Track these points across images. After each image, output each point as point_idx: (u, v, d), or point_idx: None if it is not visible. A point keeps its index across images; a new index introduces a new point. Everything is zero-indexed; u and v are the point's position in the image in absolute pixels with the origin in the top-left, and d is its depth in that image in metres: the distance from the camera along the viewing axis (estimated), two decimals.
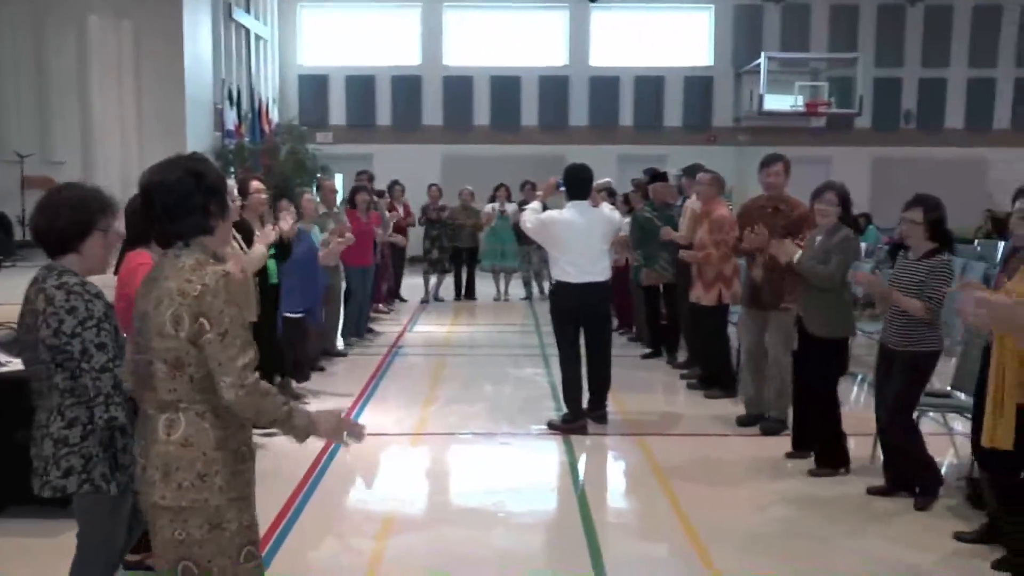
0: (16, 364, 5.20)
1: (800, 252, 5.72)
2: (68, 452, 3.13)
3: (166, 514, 2.62)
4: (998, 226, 15.08)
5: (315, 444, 6.10)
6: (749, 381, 6.88)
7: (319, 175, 15.60)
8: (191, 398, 2.61)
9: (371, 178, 11.72)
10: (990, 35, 20.62)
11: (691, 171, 8.45)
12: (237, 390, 2.57)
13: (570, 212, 6.61)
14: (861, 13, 20.52)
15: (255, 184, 6.47)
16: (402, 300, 13.37)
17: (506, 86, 20.13)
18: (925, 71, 20.79)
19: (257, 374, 2.62)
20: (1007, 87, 20.84)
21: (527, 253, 13.40)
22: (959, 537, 4.67)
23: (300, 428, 2.73)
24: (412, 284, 13.84)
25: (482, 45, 20.23)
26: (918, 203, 5.01)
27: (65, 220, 3.15)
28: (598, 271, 6.63)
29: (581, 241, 6.55)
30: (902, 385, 5.07)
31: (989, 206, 17.24)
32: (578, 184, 6.65)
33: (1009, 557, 4.22)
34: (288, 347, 7.24)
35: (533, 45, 20.34)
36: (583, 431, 6.61)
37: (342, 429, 2.86)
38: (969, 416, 4.98)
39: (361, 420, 6.79)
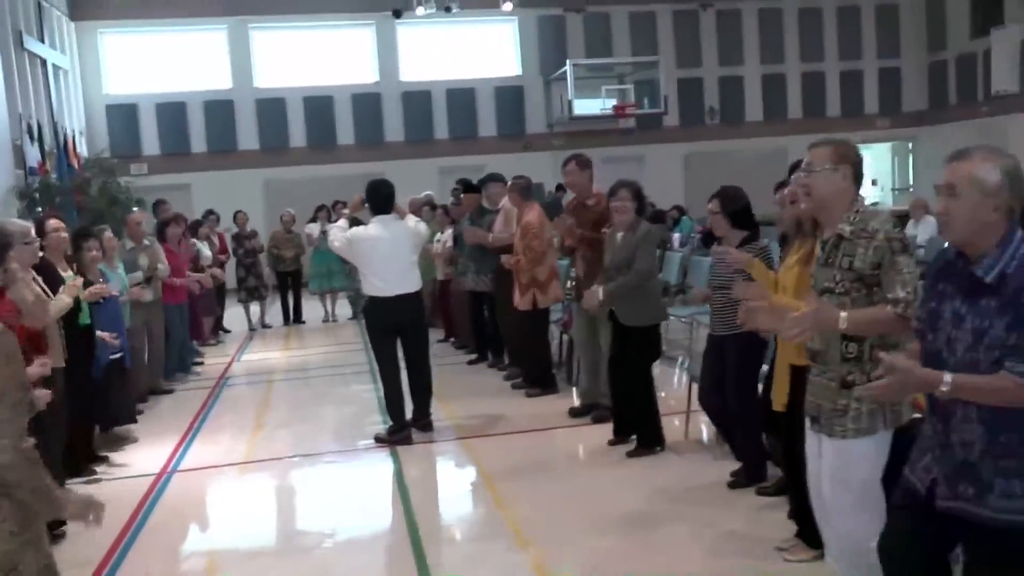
0: None
1: (601, 295, 6.01)
2: None
3: None
4: None
5: (141, 484, 6.13)
6: (583, 373, 7.22)
7: (135, 209, 15.17)
8: None
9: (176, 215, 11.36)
10: (775, 34, 22.10)
11: (486, 180, 9.03)
12: (14, 452, 2.58)
13: (375, 227, 6.78)
14: (658, 18, 21.59)
15: (52, 223, 6.31)
16: (226, 331, 13.17)
17: (320, 106, 20.07)
18: (723, 70, 22.07)
19: (32, 440, 2.64)
20: (795, 80, 22.38)
21: (352, 272, 13.42)
22: (760, 492, 5.15)
23: (54, 505, 2.74)
24: (236, 314, 13.65)
25: (292, 65, 20.08)
26: (716, 195, 5.30)
27: None
28: (408, 283, 6.81)
29: (388, 255, 6.71)
30: (737, 371, 5.22)
31: None
32: (380, 199, 6.84)
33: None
34: (110, 390, 7.07)
35: (343, 63, 20.36)
36: (408, 441, 6.80)
37: (89, 511, 2.84)
38: None
39: (189, 454, 6.93)
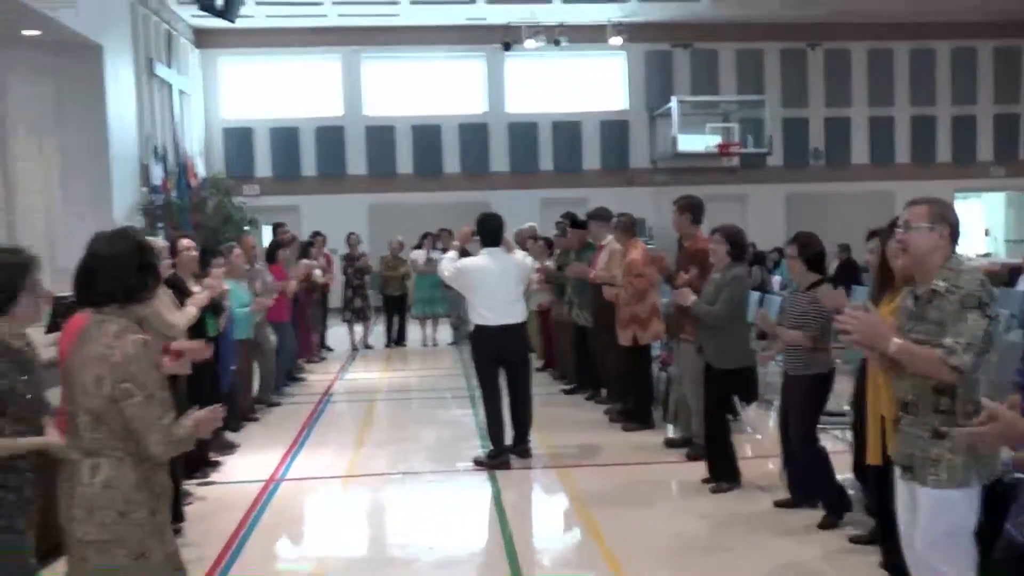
0: None
1: (694, 298, 6.15)
2: None
3: (92, 547, 2.90)
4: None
5: (251, 490, 6.42)
6: (679, 409, 7.33)
7: (247, 228, 15.81)
8: (112, 446, 2.91)
9: (293, 237, 11.91)
10: (885, 76, 21.75)
11: (595, 216, 8.95)
12: (165, 446, 2.92)
13: (484, 259, 7.03)
14: (766, 56, 21.47)
15: (184, 242, 6.77)
16: (328, 349, 13.59)
17: (427, 134, 20.48)
18: (829, 110, 21.78)
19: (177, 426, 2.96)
20: (904, 123, 21.96)
21: (455, 299, 13.75)
22: (854, 540, 5.14)
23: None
24: (338, 334, 14.07)
25: (402, 94, 20.59)
26: (794, 240, 5.61)
27: None
28: (514, 314, 7.02)
29: (496, 286, 6.92)
30: (800, 408, 5.54)
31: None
32: (490, 232, 7.08)
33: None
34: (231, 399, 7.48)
35: (452, 93, 20.74)
36: (507, 466, 6.95)
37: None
38: None
39: (294, 466, 7.19)
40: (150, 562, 2.94)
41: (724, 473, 6.25)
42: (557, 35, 19.51)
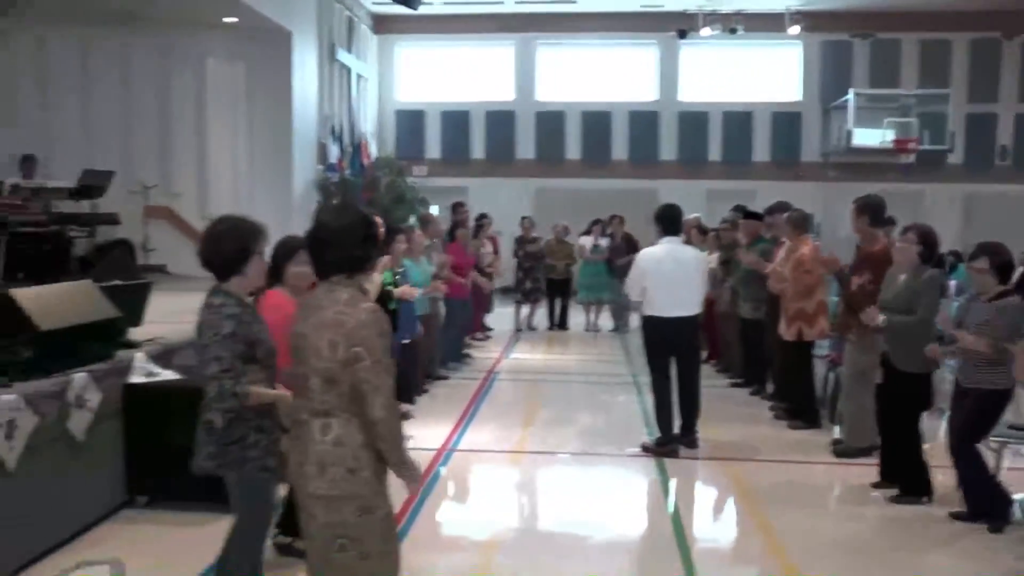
0: (165, 375, 5.91)
1: (883, 318, 5.92)
2: (207, 442, 3.70)
3: (321, 502, 3.13)
4: None
5: (423, 458, 6.72)
6: (848, 412, 7.17)
7: (433, 208, 16.36)
8: (341, 407, 3.11)
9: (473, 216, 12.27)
10: None
11: (776, 209, 8.82)
12: (387, 409, 3.10)
13: (663, 248, 7.06)
14: (953, 47, 20.45)
15: (377, 220, 7.11)
16: (488, 329, 13.91)
17: (597, 121, 20.54)
18: (1022, 106, 20.57)
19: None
20: None
21: (619, 286, 13.88)
22: None
23: (406, 461, 3.22)
24: (501, 313, 14.41)
25: (574, 81, 20.71)
26: (983, 251, 5.41)
27: (229, 248, 3.71)
28: (688, 306, 7.04)
29: (672, 276, 6.94)
30: (967, 418, 5.43)
31: None
32: (669, 221, 7.11)
33: None
34: (401, 371, 7.81)
35: (623, 80, 20.72)
36: (674, 454, 7.02)
37: (416, 480, 3.32)
38: None
39: (466, 436, 7.46)
40: (374, 518, 3.15)
41: (914, 486, 5.99)
42: (734, 23, 19.18)
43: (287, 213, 14.69)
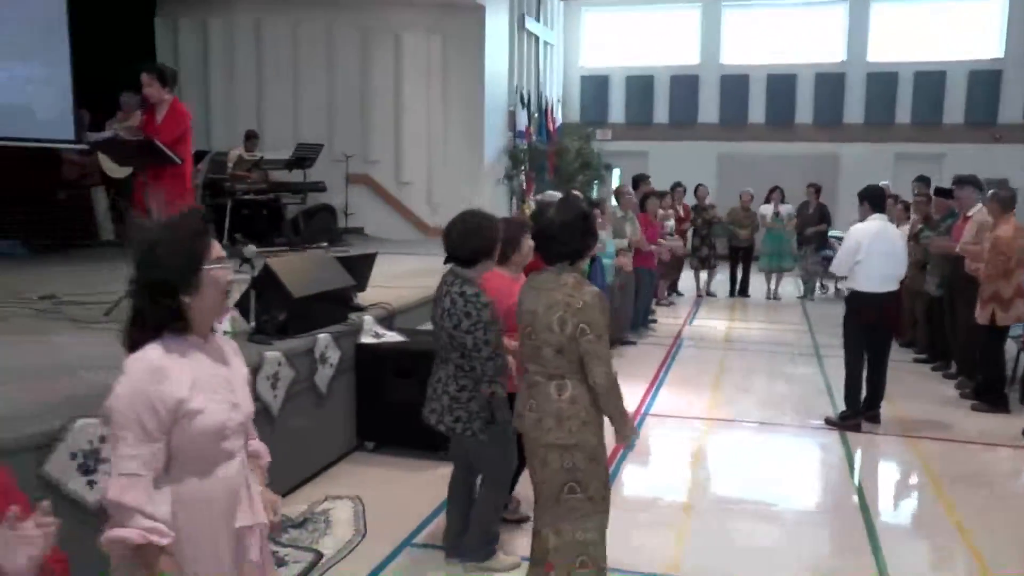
0: (389, 337, 6.65)
1: None
2: (458, 407, 4.36)
3: (557, 450, 3.73)
4: None
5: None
6: None
7: (603, 172, 16.78)
8: (571, 371, 3.71)
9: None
10: None
11: (964, 181, 8.67)
12: (607, 376, 3.66)
13: (875, 225, 7.16)
14: None
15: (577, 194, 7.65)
16: (679, 294, 14.33)
17: (781, 84, 20.30)
18: None
19: None
20: None
21: (804, 255, 14.05)
22: None
23: (624, 417, 3.79)
24: (684, 278, 14.75)
25: (759, 43, 20.49)
26: None
27: (476, 243, 4.35)
28: (892, 283, 7.18)
29: (881, 253, 7.07)
30: None
31: None
32: (875, 197, 7.27)
33: None
34: None
35: (809, 41, 20.31)
36: (857, 428, 7.25)
37: (633, 434, 3.89)
38: None
39: (657, 401, 7.92)
40: (599, 466, 3.78)
41: None
42: None
43: (478, 179, 15.50)
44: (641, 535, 5.13)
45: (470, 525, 4.61)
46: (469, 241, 4.34)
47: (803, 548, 5.08)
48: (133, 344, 2.40)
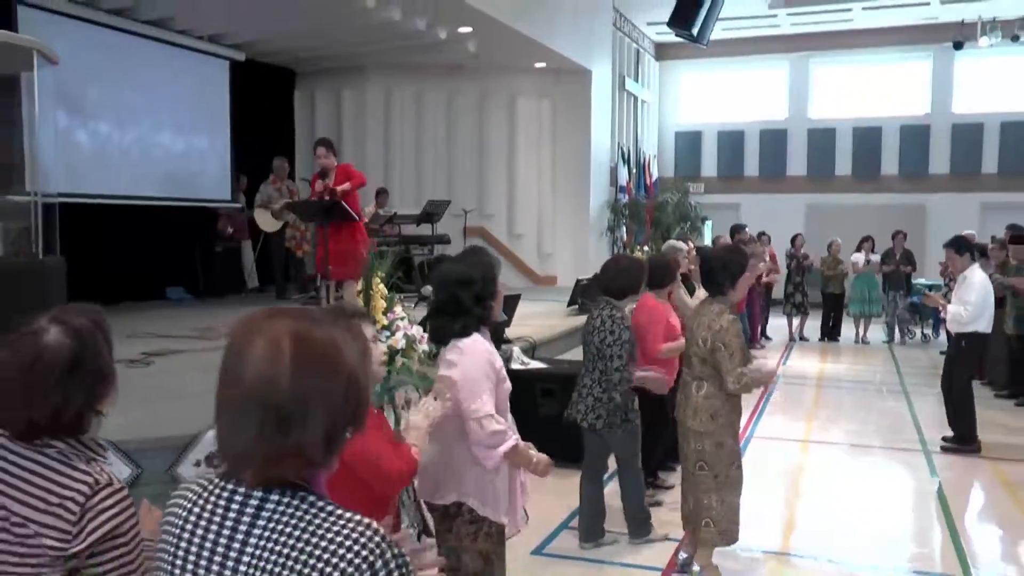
0: (532, 364, 7.91)
1: None
2: (599, 407, 5.61)
3: (694, 435, 5.02)
4: None
5: None
6: None
7: (700, 224, 17.97)
8: (708, 376, 4.98)
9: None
10: None
11: None
12: (736, 385, 4.88)
13: (981, 271, 8.25)
14: None
15: (689, 244, 8.92)
16: (767, 338, 15.38)
17: (867, 136, 20.99)
18: None
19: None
20: None
21: (892, 300, 14.98)
22: None
23: (756, 387, 5.13)
24: (773, 325, 15.80)
25: (845, 97, 21.29)
26: None
27: (624, 282, 5.71)
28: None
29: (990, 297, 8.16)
30: None
31: None
32: (981, 248, 8.47)
33: None
34: None
35: (895, 95, 20.98)
36: (978, 451, 8.14)
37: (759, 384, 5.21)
38: None
39: (760, 426, 9.02)
40: (723, 451, 5.01)
41: None
42: (1016, 29, 18.95)
43: (584, 232, 16.85)
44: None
45: (624, 512, 5.85)
46: (619, 279, 5.68)
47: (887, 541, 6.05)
48: (462, 332, 3.62)
